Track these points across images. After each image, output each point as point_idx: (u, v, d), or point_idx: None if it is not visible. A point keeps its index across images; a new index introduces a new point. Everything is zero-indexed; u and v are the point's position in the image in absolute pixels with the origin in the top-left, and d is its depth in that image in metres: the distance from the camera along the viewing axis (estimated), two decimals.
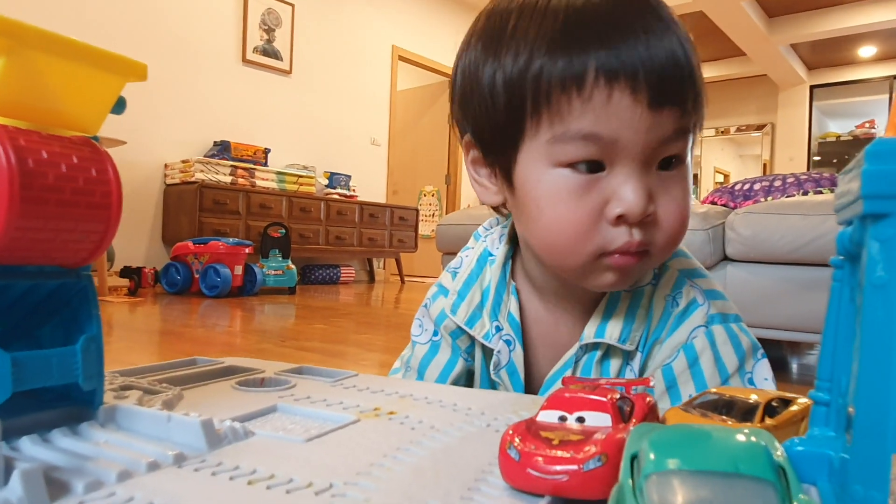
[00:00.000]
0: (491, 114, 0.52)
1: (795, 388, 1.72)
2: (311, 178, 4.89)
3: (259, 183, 4.50)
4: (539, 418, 0.29)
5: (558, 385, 0.37)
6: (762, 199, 2.15)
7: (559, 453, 0.25)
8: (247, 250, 3.79)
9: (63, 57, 0.31)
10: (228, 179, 4.29)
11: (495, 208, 0.64)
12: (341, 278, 5.23)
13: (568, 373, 0.58)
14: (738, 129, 9.05)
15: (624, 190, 0.48)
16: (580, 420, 0.28)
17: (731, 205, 2.21)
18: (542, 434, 0.27)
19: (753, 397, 0.31)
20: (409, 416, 0.38)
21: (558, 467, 0.25)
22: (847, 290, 0.24)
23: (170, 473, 0.28)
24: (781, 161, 8.35)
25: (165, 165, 4.28)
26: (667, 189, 0.50)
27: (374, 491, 0.26)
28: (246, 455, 0.30)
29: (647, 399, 0.31)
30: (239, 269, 3.75)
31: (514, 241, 0.64)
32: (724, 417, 0.30)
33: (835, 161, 8.06)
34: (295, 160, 5.05)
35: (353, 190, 5.37)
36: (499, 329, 0.60)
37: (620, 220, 0.48)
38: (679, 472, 0.20)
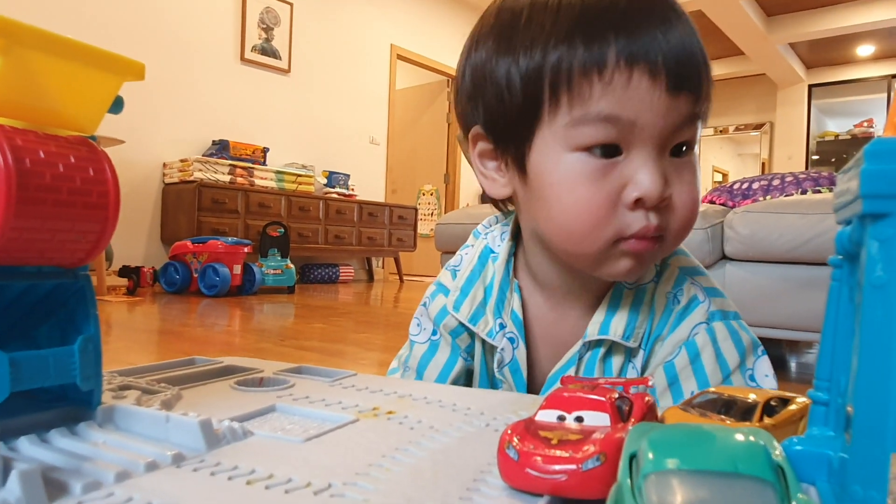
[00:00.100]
0: (506, 104, 0.52)
1: (794, 386, 1.72)
2: (310, 177, 4.88)
3: (258, 182, 4.49)
4: (538, 418, 0.29)
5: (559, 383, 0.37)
6: (761, 198, 2.15)
7: (558, 453, 0.25)
8: (246, 249, 3.79)
9: (60, 56, 0.31)
10: (227, 178, 4.29)
11: (497, 205, 0.64)
12: (340, 277, 5.23)
13: (571, 370, 0.58)
14: (737, 128, 9.05)
15: (641, 174, 0.48)
16: (579, 419, 0.28)
17: (730, 204, 2.21)
18: (541, 434, 0.27)
19: (752, 397, 0.31)
20: (408, 416, 0.38)
21: (557, 467, 0.25)
22: (846, 289, 0.24)
23: (168, 474, 0.28)
24: (780, 160, 8.35)
25: (164, 165, 4.27)
26: (679, 175, 0.51)
27: (373, 491, 0.26)
28: (244, 455, 0.30)
29: (646, 398, 0.31)
30: (238, 269, 3.74)
31: (515, 238, 0.64)
32: (723, 417, 0.30)
33: (833, 160, 8.07)
34: (294, 159, 5.05)
35: (352, 189, 5.36)
36: (502, 326, 0.60)
37: (638, 204, 0.49)
38: (678, 472, 0.20)
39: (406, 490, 0.27)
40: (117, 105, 0.34)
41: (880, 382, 0.20)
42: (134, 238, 4.10)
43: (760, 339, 0.60)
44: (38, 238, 0.30)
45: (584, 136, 0.49)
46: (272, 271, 4.05)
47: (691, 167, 0.52)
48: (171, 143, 4.30)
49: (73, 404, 0.34)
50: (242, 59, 4.76)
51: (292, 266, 4.17)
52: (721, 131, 9.24)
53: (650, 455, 0.21)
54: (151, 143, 4.19)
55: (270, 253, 4.16)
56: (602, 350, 0.57)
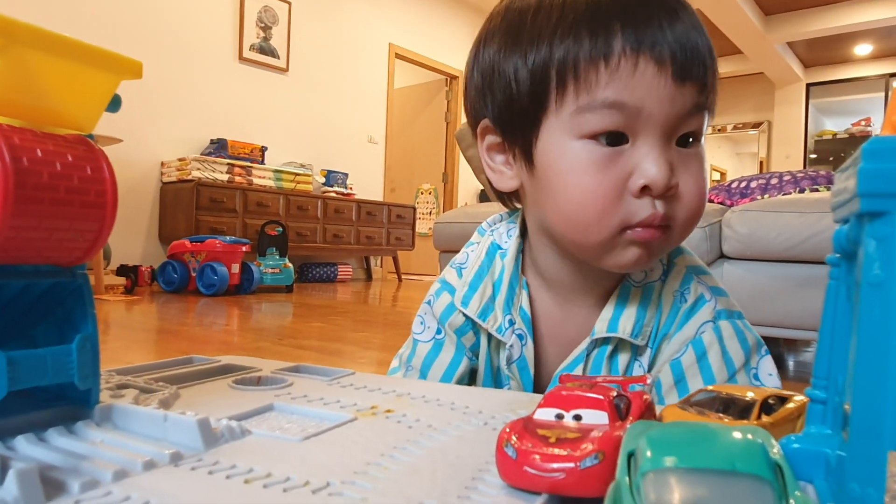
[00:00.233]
0: (514, 95, 0.53)
1: (792, 385, 1.72)
2: (309, 176, 4.88)
3: (256, 181, 4.49)
4: (536, 416, 0.29)
5: None
6: (759, 197, 2.15)
7: (556, 451, 0.25)
8: (244, 248, 3.79)
9: (57, 55, 0.31)
10: (225, 177, 4.28)
11: (505, 201, 0.64)
12: (339, 276, 5.23)
13: (579, 368, 0.58)
14: (735, 127, 9.06)
15: (647, 162, 0.49)
16: (577, 418, 0.28)
17: (728, 202, 2.21)
18: (539, 432, 0.27)
19: (750, 395, 0.31)
20: (407, 415, 0.38)
21: (555, 465, 0.25)
22: (843, 288, 0.24)
23: (166, 472, 0.28)
24: (778, 159, 8.36)
25: (162, 163, 4.26)
26: (686, 165, 0.51)
27: (371, 490, 0.26)
28: (242, 454, 0.30)
29: (644, 397, 0.31)
30: (236, 268, 3.74)
31: (523, 235, 0.64)
32: (721, 415, 0.30)
33: (831, 159, 8.08)
34: (292, 158, 5.04)
35: (351, 188, 5.36)
36: (511, 323, 0.60)
37: (644, 192, 0.49)
38: (676, 470, 0.20)
39: (404, 489, 0.27)
40: (115, 103, 0.34)
41: (878, 380, 0.20)
42: (132, 237, 4.09)
43: None
44: (35, 237, 0.29)
45: (590, 123, 0.49)
46: (270, 270, 4.05)
47: (699, 158, 0.53)
48: (169, 141, 4.30)
49: (70, 403, 0.34)
50: (241, 58, 4.76)
51: (290, 265, 4.17)
52: (719, 130, 9.24)
53: (648, 453, 0.21)
54: (149, 141, 4.18)
55: (269, 252, 4.15)
56: (609, 348, 0.58)
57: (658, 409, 0.33)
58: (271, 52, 4.96)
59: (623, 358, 0.58)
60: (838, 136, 8.32)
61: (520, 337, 0.60)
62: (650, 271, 0.59)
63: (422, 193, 7.00)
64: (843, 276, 0.25)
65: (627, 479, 0.21)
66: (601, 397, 0.29)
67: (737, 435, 0.22)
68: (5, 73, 0.29)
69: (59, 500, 0.24)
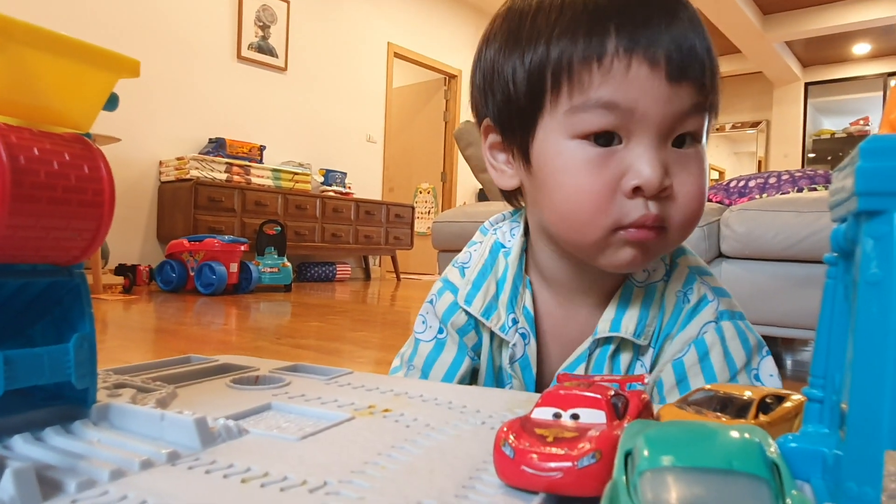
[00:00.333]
0: (512, 95, 0.54)
1: (790, 384, 1.72)
2: (307, 175, 4.87)
3: (254, 180, 4.49)
4: (534, 415, 0.29)
5: None
6: (757, 196, 2.16)
7: (553, 450, 0.25)
8: (242, 248, 3.78)
9: (53, 53, 0.30)
10: (223, 177, 4.28)
11: (510, 199, 0.64)
12: (337, 276, 5.23)
13: (581, 367, 0.58)
14: (734, 127, 9.06)
15: (640, 162, 0.49)
16: (575, 417, 0.28)
17: (726, 202, 2.21)
18: (537, 431, 0.27)
19: (748, 394, 0.31)
20: (404, 414, 0.38)
21: (552, 464, 0.25)
22: (841, 287, 0.24)
23: (163, 472, 0.28)
24: (776, 158, 8.37)
25: (160, 163, 4.26)
26: (683, 166, 0.51)
27: (369, 489, 0.26)
28: (240, 453, 0.30)
29: (642, 396, 0.31)
30: (234, 267, 3.74)
31: (526, 234, 0.64)
32: (719, 414, 0.30)
33: (829, 158, 8.09)
34: (290, 157, 5.04)
35: (349, 187, 5.36)
36: (515, 322, 0.60)
37: (637, 192, 0.49)
38: (673, 469, 0.20)
39: (402, 488, 0.27)
40: (112, 102, 0.34)
41: (875, 379, 0.20)
42: (130, 236, 4.09)
43: None
44: (32, 236, 0.29)
45: (583, 123, 0.50)
46: (269, 270, 4.05)
47: (697, 159, 0.52)
48: (167, 141, 4.29)
49: (68, 402, 0.34)
50: (239, 57, 4.75)
51: (289, 264, 4.16)
52: (717, 129, 9.24)
53: (645, 452, 0.21)
54: (148, 141, 4.18)
55: (267, 251, 4.15)
56: (612, 347, 0.58)
57: (656, 408, 0.33)
58: (270, 52, 4.95)
59: (625, 358, 0.58)
60: (836, 136, 8.33)
61: (523, 336, 0.60)
62: (653, 271, 0.59)
63: (420, 193, 7.00)
64: (840, 275, 0.25)
65: (624, 478, 0.21)
66: (599, 396, 0.29)
67: (734, 434, 0.22)
68: (2, 72, 0.29)
69: (56, 499, 0.24)
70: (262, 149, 4.67)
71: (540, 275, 0.62)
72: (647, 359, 0.58)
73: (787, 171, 2.31)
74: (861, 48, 7.60)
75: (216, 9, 4.62)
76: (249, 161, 4.51)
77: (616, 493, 0.20)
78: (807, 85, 8.18)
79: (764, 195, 2.16)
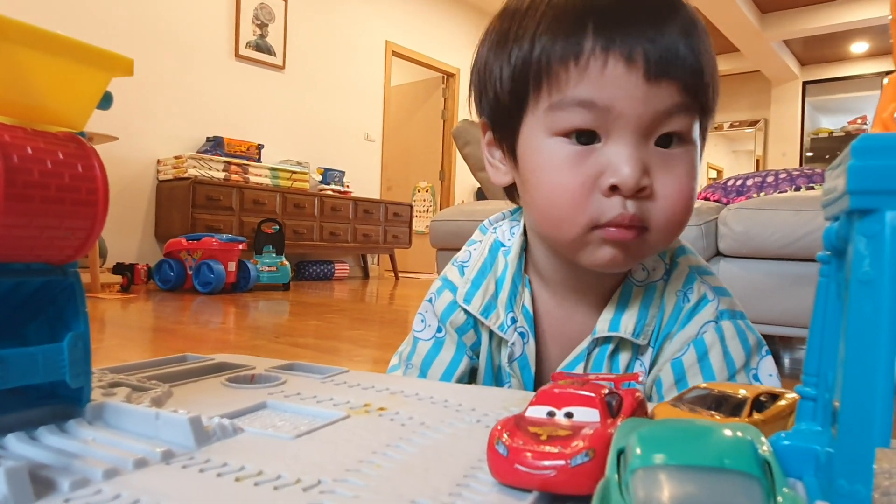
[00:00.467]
0: (499, 94, 0.55)
1: (787, 381, 1.73)
2: (305, 173, 4.87)
3: (252, 179, 4.48)
4: (528, 414, 0.29)
5: None
6: (755, 195, 2.16)
7: (547, 448, 0.25)
8: (240, 247, 3.78)
9: (46, 52, 0.30)
10: (221, 175, 4.27)
11: (510, 196, 0.64)
12: (335, 274, 5.23)
13: (580, 366, 0.58)
14: (732, 125, 9.07)
15: (617, 161, 0.49)
16: (568, 415, 0.29)
17: (724, 200, 2.21)
18: (531, 429, 0.27)
19: (742, 392, 0.31)
20: (400, 413, 0.38)
21: (546, 462, 0.25)
22: (834, 285, 0.24)
23: (157, 471, 0.28)
24: (774, 157, 8.38)
25: (158, 161, 4.25)
26: (667, 166, 0.51)
27: (363, 487, 0.26)
28: (234, 452, 0.30)
29: (636, 394, 0.31)
30: (232, 266, 3.73)
31: (525, 233, 0.64)
32: (713, 412, 0.30)
33: (827, 157, 8.10)
34: (288, 156, 5.03)
35: (347, 186, 5.35)
36: (514, 321, 0.60)
37: (614, 191, 0.49)
38: (665, 467, 0.20)
39: (397, 486, 0.27)
40: (106, 101, 0.34)
41: (867, 377, 0.20)
42: (128, 235, 4.08)
43: None
44: (26, 235, 0.29)
45: (562, 121, 0.50)
46: (267, 268, 4.05)
47: (684, 160, 0.51)
48: (165, 139, 4.28)
49: (62, 402, 0.34)
50: (237, 55, 4.74)
51: (287, 263, 4.16)
52: (715, 128, 9.24)
53: (638, 450, 0.21)
54: (145, 139, 4.17)
55: (265, 250, 4.15)
56: (610, 347, 0.58)
57: (650, 406, 0.33)
58: (267, 50, 4.94)
59: (624, 357, 0.58)
60: (834, 134, 8.34)
61: (521, 335, 0.60)
62: (652, 270, 0.59)
63: (419, 191, 6.99)
64: (833, 274, 0.25)
65: (617, 476, 0.21)
66: (592, 395, 0.29)
67: (726, 432, 0.22)
68: None
69: (49, 498, 0.24)
70: (260, 147, 4.67)
71: (539, 274, 0.62)
72: (647, 358, 0.58)
73: (784, 169, 2.32)
74: (859, 47, 7.60)
75: (214, 7, 4.61)
76: (247, 160, 4.50)
77: (608, 491, 0.20)
78: (805, 84, 8.19)
79: (762, 194, 2.16)
